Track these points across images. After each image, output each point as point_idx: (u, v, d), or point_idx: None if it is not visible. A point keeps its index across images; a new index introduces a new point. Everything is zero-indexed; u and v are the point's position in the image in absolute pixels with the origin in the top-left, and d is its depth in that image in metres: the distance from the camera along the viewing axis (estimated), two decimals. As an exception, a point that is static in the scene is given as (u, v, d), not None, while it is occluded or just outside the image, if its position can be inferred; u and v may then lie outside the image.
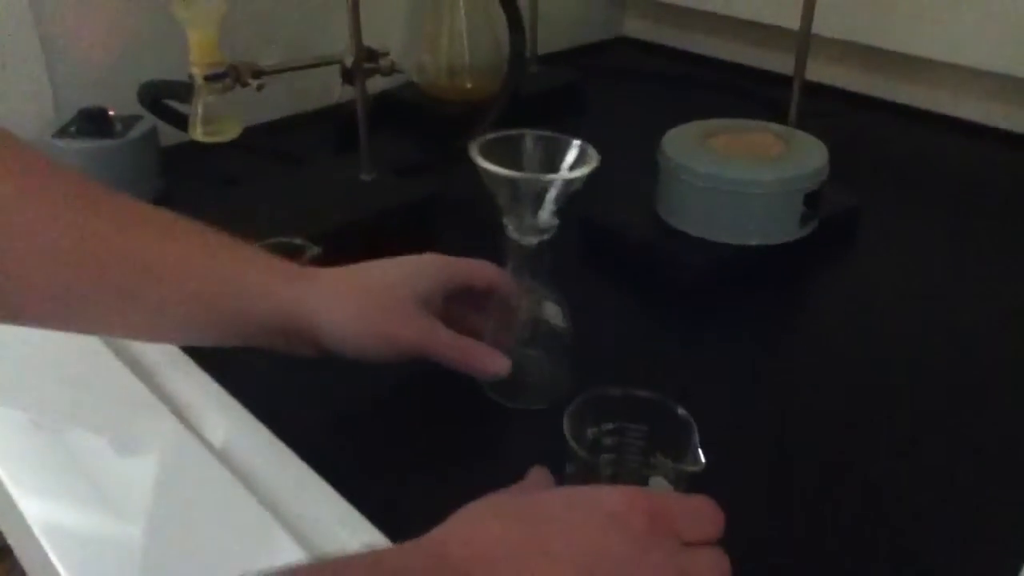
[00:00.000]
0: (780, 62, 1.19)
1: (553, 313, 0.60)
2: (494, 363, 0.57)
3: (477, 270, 0.59)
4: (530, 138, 0.56)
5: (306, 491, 0.53)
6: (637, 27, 1.47)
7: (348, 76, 0.82)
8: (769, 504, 0.53)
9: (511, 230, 0.57)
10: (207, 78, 0.74)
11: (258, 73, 0.76)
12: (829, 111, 1.10)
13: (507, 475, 0.48)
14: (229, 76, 0.74)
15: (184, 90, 0.77)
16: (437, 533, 0.38)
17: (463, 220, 0.84)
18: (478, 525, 0.39)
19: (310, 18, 1.06)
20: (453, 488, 0.42)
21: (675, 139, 0.80)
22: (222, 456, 0.55)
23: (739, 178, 0.74)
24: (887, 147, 1.07)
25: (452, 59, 1.09)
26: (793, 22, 0.84)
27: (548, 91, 1.14)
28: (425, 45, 1.10)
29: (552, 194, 0.54)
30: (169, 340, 0.60)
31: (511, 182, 0.53)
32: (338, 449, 0.57)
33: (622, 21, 1.48)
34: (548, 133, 0.56)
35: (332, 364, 0.55)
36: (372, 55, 0.81)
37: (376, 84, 1.05)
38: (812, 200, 0.76)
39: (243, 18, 0.93)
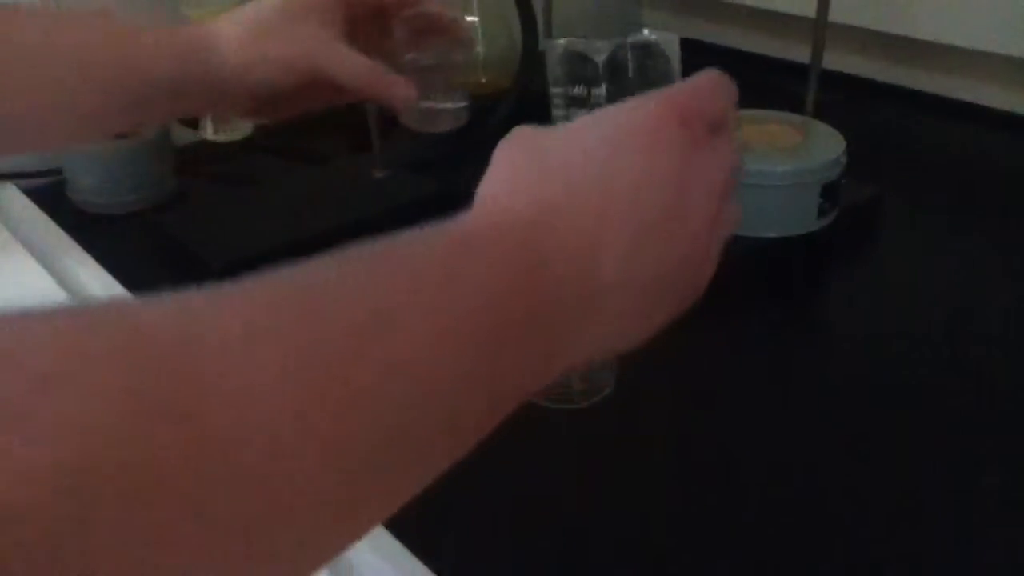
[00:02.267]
0: (796, 51, 1.18)
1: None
2: (399, 87, 0.56)
3: None
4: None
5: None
6: (654, 19, 1.46)
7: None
8: (784, 506, 0.52)
9: None
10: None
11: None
12: (847, 100, 1.08)
13: (514, 471, 0.48)
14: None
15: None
16: (486, 192, 0.36)
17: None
18: (521, 180, 0.36)
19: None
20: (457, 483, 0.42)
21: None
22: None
23: (755, 170, 0.73)
24: (907, 136, 1.05)
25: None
26: (809, 10, 0.83)
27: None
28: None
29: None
30: (64, 136, 0.60)
31: None
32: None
33: (639, 14, 1.47)
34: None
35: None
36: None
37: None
38: (830, 191, 0.75)
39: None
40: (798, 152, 0.76)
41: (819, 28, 0.83)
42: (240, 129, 0.78)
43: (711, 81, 0.40)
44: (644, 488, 0.54)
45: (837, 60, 1.12)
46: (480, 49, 1.09)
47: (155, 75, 0.52)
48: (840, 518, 0.51)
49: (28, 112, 0.52)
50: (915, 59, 1.13)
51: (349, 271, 0.29)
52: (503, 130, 0.39)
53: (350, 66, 0.54)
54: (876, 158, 0.90)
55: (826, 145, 0.77)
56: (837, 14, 0.83)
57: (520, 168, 0.37)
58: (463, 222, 0.34)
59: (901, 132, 1.06)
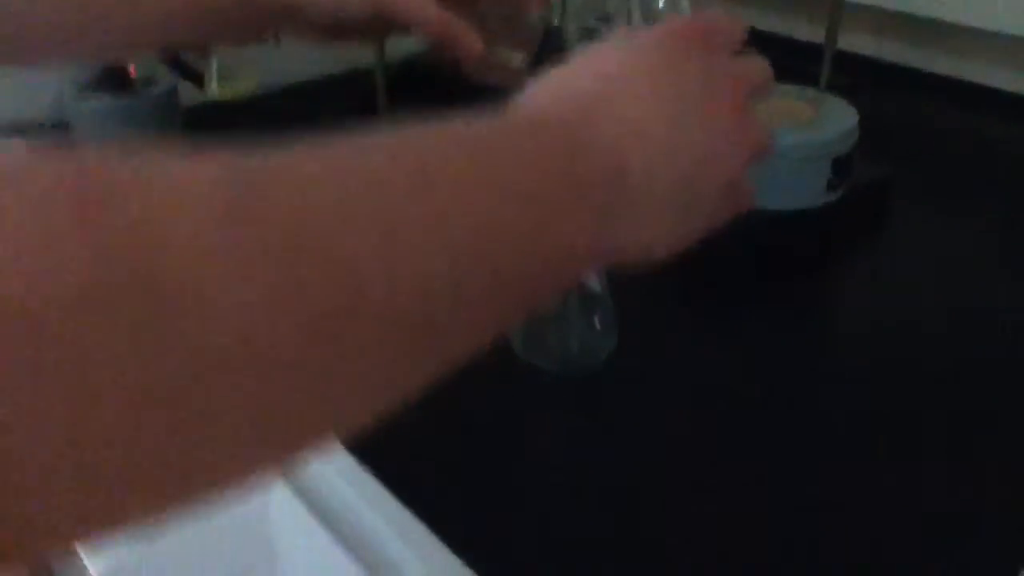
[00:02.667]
0: (811, 32, 1.17)
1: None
2: (466, 39, 0.56)
3: None
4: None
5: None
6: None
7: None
8: (787, 501, 0.52)
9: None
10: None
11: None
12: (861, 81, 1.07)
13: (531, 448, 0.47)
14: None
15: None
16: (523, 99, 0.38)
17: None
18: (554, 88, 0.38)
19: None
20: (474, 463, 0.41)
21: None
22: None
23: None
24: (922, 118, 1.04)
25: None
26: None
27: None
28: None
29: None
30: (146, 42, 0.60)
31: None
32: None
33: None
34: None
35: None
36: None
37: (402, 47, 1.05)
38: (841, 165, 0.74)
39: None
40: (810, 124, 0.75)
41: (835, 7, 0.82)
42: (244, 87, 0.78)
43: (724, 16, 0.43)
44: (645, 455, 0.54)
45: (852, 41, 1.11)
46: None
47: (232, 25, 0.53)
48: (841, 500, 0.50)
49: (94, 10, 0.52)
50: (931, 41, 1.12)
51: (382, 141, 0.29)
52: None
53: (420, 10, 0.55)
54: (889, 139, 0.89)
55: (839, 118, 0.76)
56: None
57: (554, 81, 0.39)
58: (502, 116, 0.35)
59: (916, 114, 1.05)
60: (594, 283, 0.60)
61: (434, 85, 1.07)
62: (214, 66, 0.76)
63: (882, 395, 0.58)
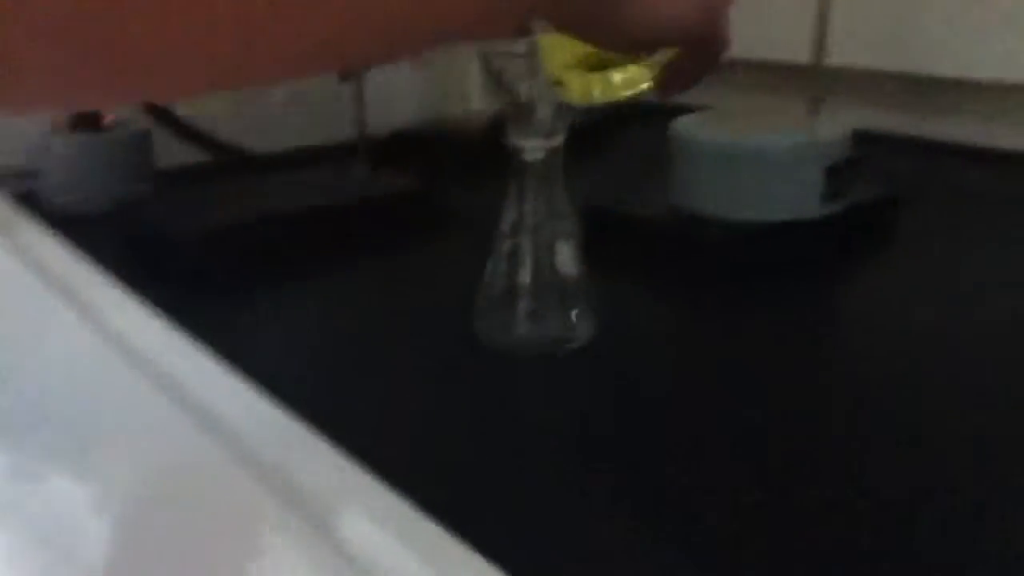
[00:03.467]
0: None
1: (564, 255, 0.54)
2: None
3: None
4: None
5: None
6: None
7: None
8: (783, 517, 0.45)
9: (514, 137, 0.51)
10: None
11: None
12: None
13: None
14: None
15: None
16: None
17: (457, 223, 0.81)
18: None
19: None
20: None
21: (686, 120, 0.75)
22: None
23: (755, 144, 0.69)
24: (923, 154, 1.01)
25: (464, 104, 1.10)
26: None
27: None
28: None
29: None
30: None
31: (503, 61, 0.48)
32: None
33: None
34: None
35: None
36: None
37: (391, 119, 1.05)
38: (835, 175, 0.70)
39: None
40: (801, 131, 0.72)
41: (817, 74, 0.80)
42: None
43: None
44: (623, 443, 0.47)
45: (845, 108, 1.10)
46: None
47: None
48: (837, 503, 0.44)
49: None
50: (928, 101, 1.11)
51: None
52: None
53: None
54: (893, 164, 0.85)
55: (831, 128, 0.73)
56: (839, 56, 0.80)
57: None
58: None
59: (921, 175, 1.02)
60: (573, 274, 0.55)
61: (420, 159, 1.07)
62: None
63: (877, 412, 0.51)
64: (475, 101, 1.09)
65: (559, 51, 0.45)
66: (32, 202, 0.84)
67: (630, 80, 0.48)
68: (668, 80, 0.46)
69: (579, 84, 0.48)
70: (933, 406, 0.50)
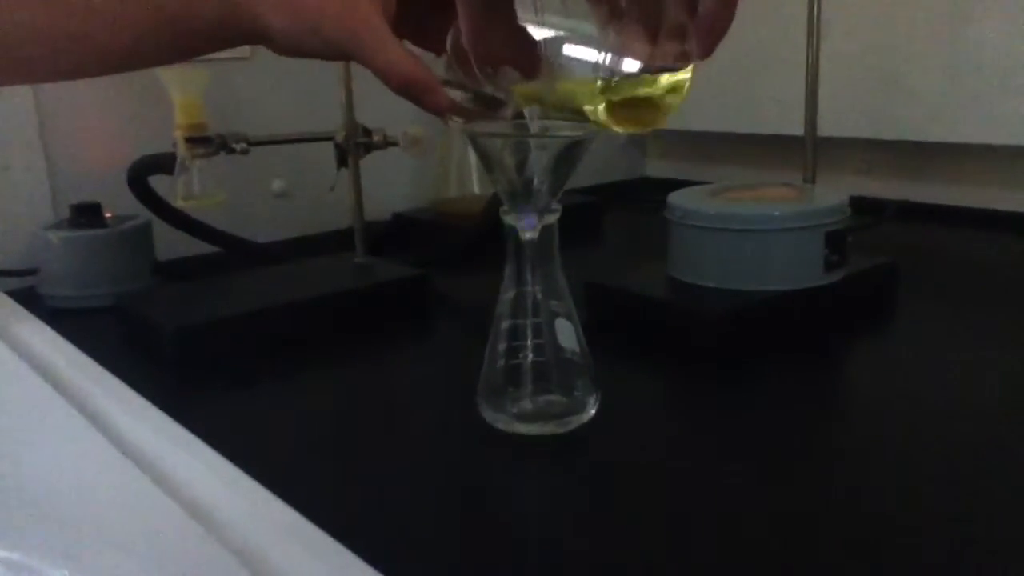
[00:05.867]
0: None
1: (564, 332, 0.54)
2: (434, 95, 0.47)
3: None
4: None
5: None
6: (658, 167, 1.47)
7: (342, 156, 0.81)
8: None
9: (509, 219, 0.51)
10: (190, 140, 0.72)
11: (243, 139, 0.74)
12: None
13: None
14: (214, 141, 0.73)
15: (172, 161, 0.75)
16: None
17: (455, 307, 0.81)
18: None
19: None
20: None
21: (682, 195, 0.76)
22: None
23: (755, 214, 0.69)
24: (929, 244, 1.01)
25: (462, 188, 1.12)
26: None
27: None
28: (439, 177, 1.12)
29: (543, 157, 0.49)
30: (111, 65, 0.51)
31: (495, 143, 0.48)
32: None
33: (643, 162, 1.48)
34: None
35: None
36: (365, 131, 0.79)
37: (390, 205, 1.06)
38: (835, 241, 0.70)
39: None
40: (799, 201, 0.72)
41: (811, 146, 0.81)
42: (212, 199, 0.76)
43: None
44: (624, 519, 0.46)
45: (842, 182, 1.11)
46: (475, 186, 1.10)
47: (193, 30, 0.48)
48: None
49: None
50: (918, 167, 1.11)
51: None
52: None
53: (385, 61, 0.47)
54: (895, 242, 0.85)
55: (828, 196, 0.73)
56: (834, 128, 0.80)
57: None
58: None
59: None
60: (574, 351, 0.54)
61: (419, 242, 1.07)
62: (183, 178, 0.75)
63: (877, 488, 0.50)
64: (475, 185, 1.10)
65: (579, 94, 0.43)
66: (32, 298, 0.84)
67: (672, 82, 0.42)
68: (707, 32, 0.43)
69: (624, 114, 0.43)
70: (932, 483, 0.48)
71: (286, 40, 0.47)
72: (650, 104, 0.42)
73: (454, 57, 0.47)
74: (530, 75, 0.44)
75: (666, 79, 0.41)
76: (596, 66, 0.40)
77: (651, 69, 0.40)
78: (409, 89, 0.47)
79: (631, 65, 0.40)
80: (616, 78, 0.40)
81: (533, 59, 0.43)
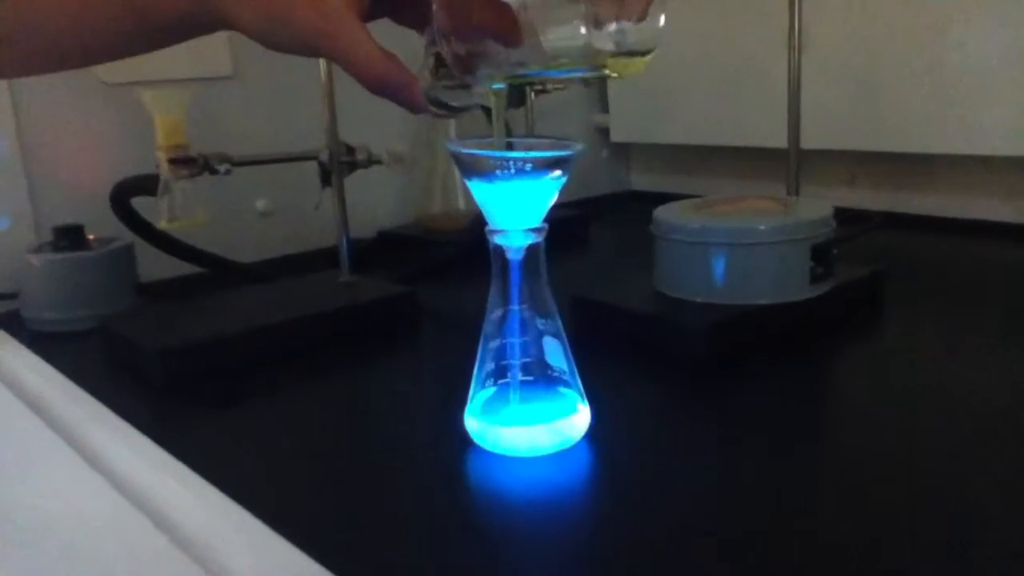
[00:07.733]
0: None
1: (552, 351, 0.53)
2: (410, 91, 0.46)
3: None
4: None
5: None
6: (643, 181, 1.47)
7: (325, 175, 0.80)
8: None
9: (495, 237, 0.51)
10: (172, 161, 0.71)
11: (226, 159, 0.73)
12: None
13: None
14: (197, 162, 0.72)
15: (154, 183, 0.75)
16: None
17: (441, 324, 0.81)
18: None
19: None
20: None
21: (667, 209, 0.76)
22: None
23: (740, 228, 0.69)
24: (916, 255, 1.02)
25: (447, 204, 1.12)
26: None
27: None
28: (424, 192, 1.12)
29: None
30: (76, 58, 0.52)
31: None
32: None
33: (628, 176, 1.49)
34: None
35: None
36: (348, 149, 0.79)
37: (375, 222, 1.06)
38: (821, 253, 0.70)
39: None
40: (784, 214, 0.72)
41: (794, 158, 0.81)
42: (196, 220, 0.75)
43: None
44: (611, 533, 0.46)
45: (826, 194, 1.11)
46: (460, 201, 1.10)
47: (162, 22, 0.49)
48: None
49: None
50: (899, 177, 1.12)
51: None
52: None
53: (357, 57, 0.46)
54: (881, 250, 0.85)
55: (813, 209, 0.73)
56: (817, 140, 0.81)
57: None
58: None
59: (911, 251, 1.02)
60: (562, 368, 0.54)
61: (404, 260, 1.07)
62: (165, 199, 0.74)
63: (863, 489, 0.50)
64: (460, 200, 1.10)
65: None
66: (15, 321, 0.83)
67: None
68: None
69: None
70: (922, 494, 0.48)
71: (257, 32, 0.47)
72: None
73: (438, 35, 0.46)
74: (511, 43, 0.44)
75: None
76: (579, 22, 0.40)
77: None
78: (384, 87, 0.47)
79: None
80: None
81: (514, 26, 0.43)
